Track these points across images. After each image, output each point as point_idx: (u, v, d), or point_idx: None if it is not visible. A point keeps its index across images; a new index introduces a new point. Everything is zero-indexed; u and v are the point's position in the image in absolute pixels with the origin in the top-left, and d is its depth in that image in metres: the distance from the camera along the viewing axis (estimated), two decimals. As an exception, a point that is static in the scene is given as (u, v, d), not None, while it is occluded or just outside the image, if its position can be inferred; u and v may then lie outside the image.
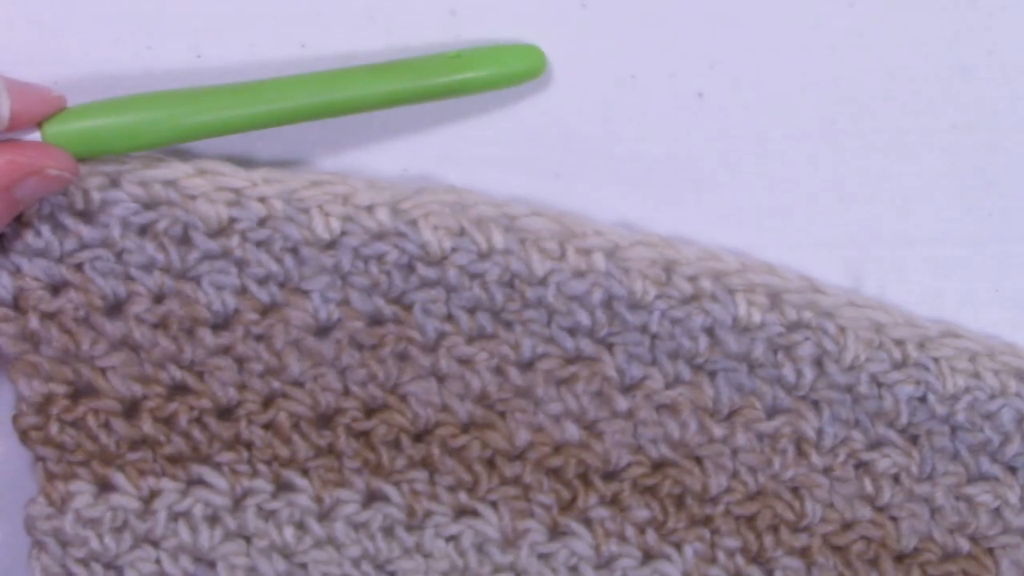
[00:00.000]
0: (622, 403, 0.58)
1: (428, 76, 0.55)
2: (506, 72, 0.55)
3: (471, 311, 0.57)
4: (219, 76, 0.56)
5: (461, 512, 0.59)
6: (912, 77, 0.57)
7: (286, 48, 0.57)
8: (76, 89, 0.54)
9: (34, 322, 0.55)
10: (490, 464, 0.58)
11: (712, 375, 0.58)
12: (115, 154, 0.54)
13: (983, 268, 0.60)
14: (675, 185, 0.58)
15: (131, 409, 0.57)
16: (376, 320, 0.56)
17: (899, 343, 0.57)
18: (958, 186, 0.59)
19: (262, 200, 0.55)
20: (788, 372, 0.57)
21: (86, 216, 0.55)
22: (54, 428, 0.56)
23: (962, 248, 0.59)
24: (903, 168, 0.58)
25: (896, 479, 0.58)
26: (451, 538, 0.59)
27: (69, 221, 0.55)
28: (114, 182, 0.55)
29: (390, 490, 0.58)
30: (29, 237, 0.55)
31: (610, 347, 0.57)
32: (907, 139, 0.58)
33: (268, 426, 0.57)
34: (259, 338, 0.56)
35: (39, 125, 0.52)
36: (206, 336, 0.56)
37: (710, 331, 0.57)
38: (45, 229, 0.55)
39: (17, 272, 0.55)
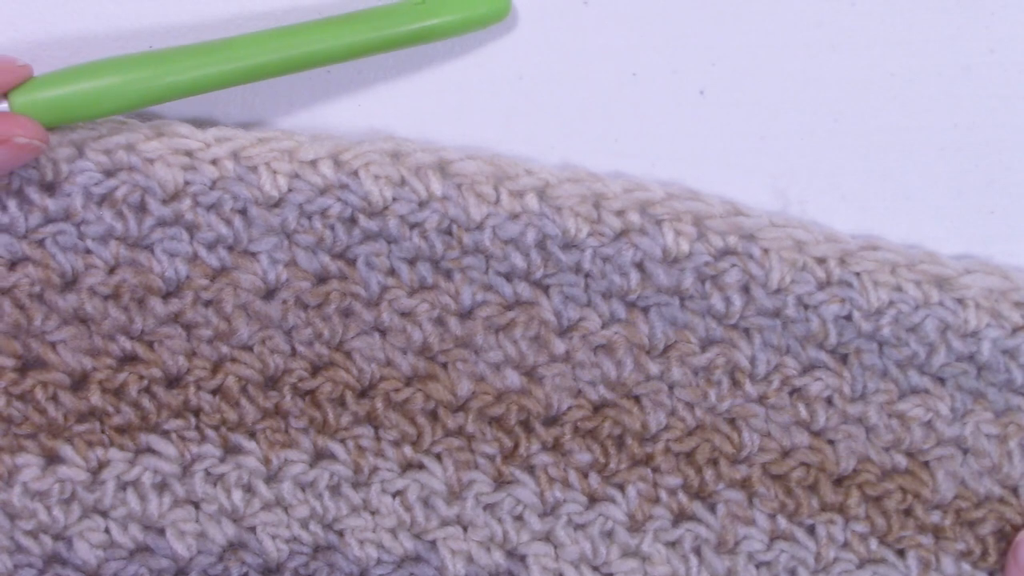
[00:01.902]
0: (560, 346, 0.58)
1: (394, 25, 0.55)
2: (472, 16, 0.56)
3: (412, 262, 0.57)
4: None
5: (407, 466, 0.59)
6: (913, 77, 0.58)
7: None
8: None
9: None
10: (433, 416, 0.58)
11: (645, 311, 0.58)
12: (84, 121, 0.54)
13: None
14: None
15: (80, 381, 0.57)
16: (321, 278, 0.57)
17: (821, 261, 0.58)
18: (958, 186, 0.59)
19: (214, 162, 0.56)
20: (717, 301, 0.58)
21: (51, 188, 0.55)
22: (1, 401, 0.56)
23: (962, 248, 0.60)
24: (903, 168, 0.59)
25: (829, 401, 0.59)
26: (397, 493, 0.59)
27: (35, 195, 0.55)
28: (80, 151, 0.55)
29: (336, 447, 0.58)
30: None
31: (546, 289, 0.58)
32: (907, 139, 0.58)
33: (216, 391, 0.57)
34: (208, 304, 0.56)
35: (6, 95, 0.52)
36: (157, 305, 0.56)
37: (640, 265, 0.58)
38: (12, 205, 0.55)
39: None
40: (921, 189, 0.59)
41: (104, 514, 0.57)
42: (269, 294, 0.57)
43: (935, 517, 0.60)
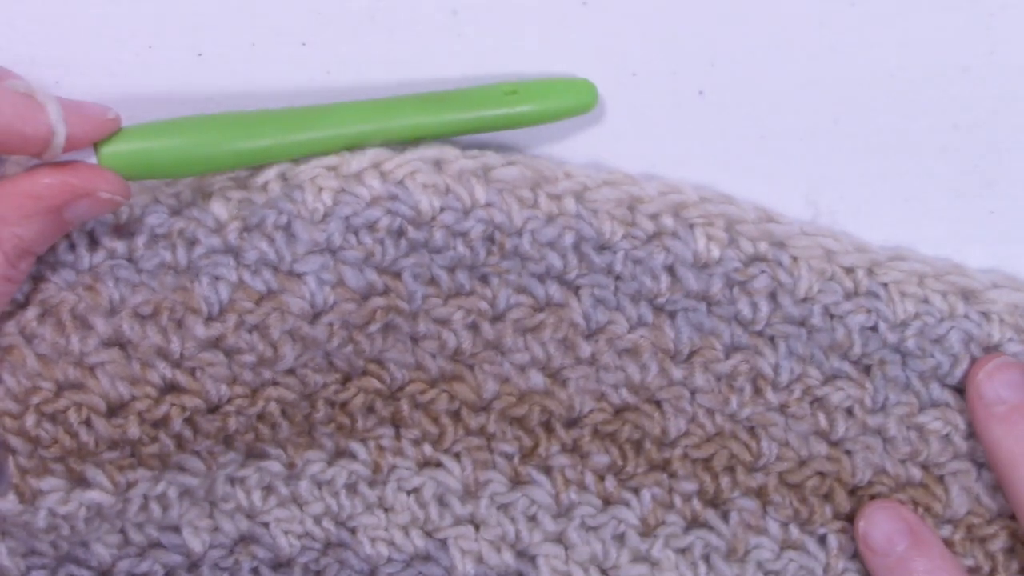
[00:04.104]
0: (586, 349, 0.58)
1: (485, 108, 0.55)
2: (561, 106, 0.56)
3: (451, 270, 0.57)
4: (220, 75, 0.57)
5: (424, 464, 0.59)
6: (912, 77, 0.57)
7: (287, 47, 0.57)
8: (79, 90, 0.54)
9: (31, 314, 0.54)
10: (456, 416, 0.58)
11: (672, 316, 0.58)
12: (170, 177, 0.54)
13: (983, 268, 0.59)
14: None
15: (116, 408, 0.55)
16: (366, 295, 0.56)
17: (849, 271, 0.57)
18: (958, 186, 0.59)
19: (264, 187, 0.55)
20: (744, 307, 0.57)
21: (121, 231, 0.55)
22: (31, 420, 0.54)
23: (962, 248, 0.59)
24: (902, 168, 0.58)
25: (850, 412, 0.58)
26: (413, 491, 0.59)
27: (105, 239, 0.55)
28: (155, 197, 0.55)
29: (357, 448, 0.58)
30: (61, 250, 0.54)
31: (577, 291, 0.57)
32: (907, 139, 0.58)
33: (256, 416, 0.56)
34: (253, 329, 0.55)
35: (95, 145, 0.52)
36: (200, 332, 0.55)
37: (671, 269, 0.57)
38: (81, 246, 0.55)
39: (39, 277, 0.54)
40: (920, 190, 0.58)
41: (124, 521, 0.57)
42: (315, 317, 0.56)
43: (946, 531, 0.59)
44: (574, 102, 0.56)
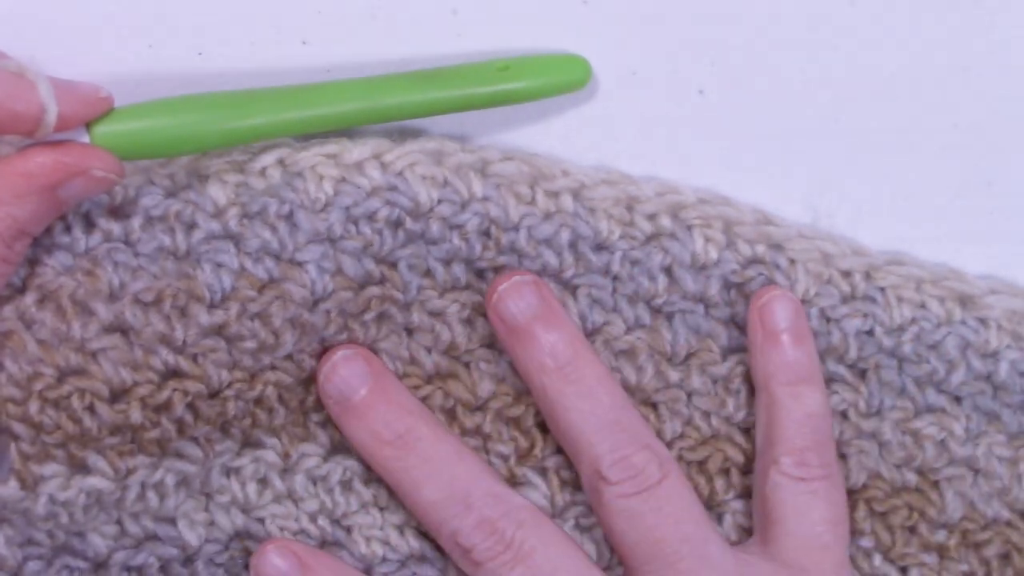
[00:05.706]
0: None
1: (476, 85, 0.55)
2: (553, 82, 0.56)
3: (447, 263, 0.57)
4: (221, 74, 0.57)
5: None
6: (912, 77, 0.57)
7: (287, 46, 0.57)
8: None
9: (30, 299, 0.54)
10: (451, 414, 0.58)
11: (670, 317, 0.58)
12: (163, 157, 0.54)
13: (983, 268, 0.60)
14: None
15: (118, 393, 0.54)
16: (363, 284, 0.56)
17: (846, 274, 0.58)
18: (958, 186, 0.59)
19: (262, 172, 0.55)
20: (742, 310, 0.57)
21: (116, 213, 0.55)
22: (34, 406, 0.53)
23: (962, 248, 0.59)
24: (903, 168, 0.59)
25: (845, 415, 0.58)
26: None
27: (101, 220, 0.54)
28: (148, 177, 0.55)
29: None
30: (56, 232, 0.54)
31: (574, 291, 0.57)
32: (907, 139, 0.58)
33: (254, 400, 0.56)
34: (255, 316, 0.55)
35: (88, 125, 0.52)
36: (204, 319, 0.54)
37: (668, 270, 0.57)
38: (76, 227, 0.54)
39: (35, 261, 0.54)
40: (920, 190, 0.59)
41: (121, 510, 0.57)
42: (313, 304, 0.56)
43: (940, 536, 0.59)
44: (566, 78, 0.56)
